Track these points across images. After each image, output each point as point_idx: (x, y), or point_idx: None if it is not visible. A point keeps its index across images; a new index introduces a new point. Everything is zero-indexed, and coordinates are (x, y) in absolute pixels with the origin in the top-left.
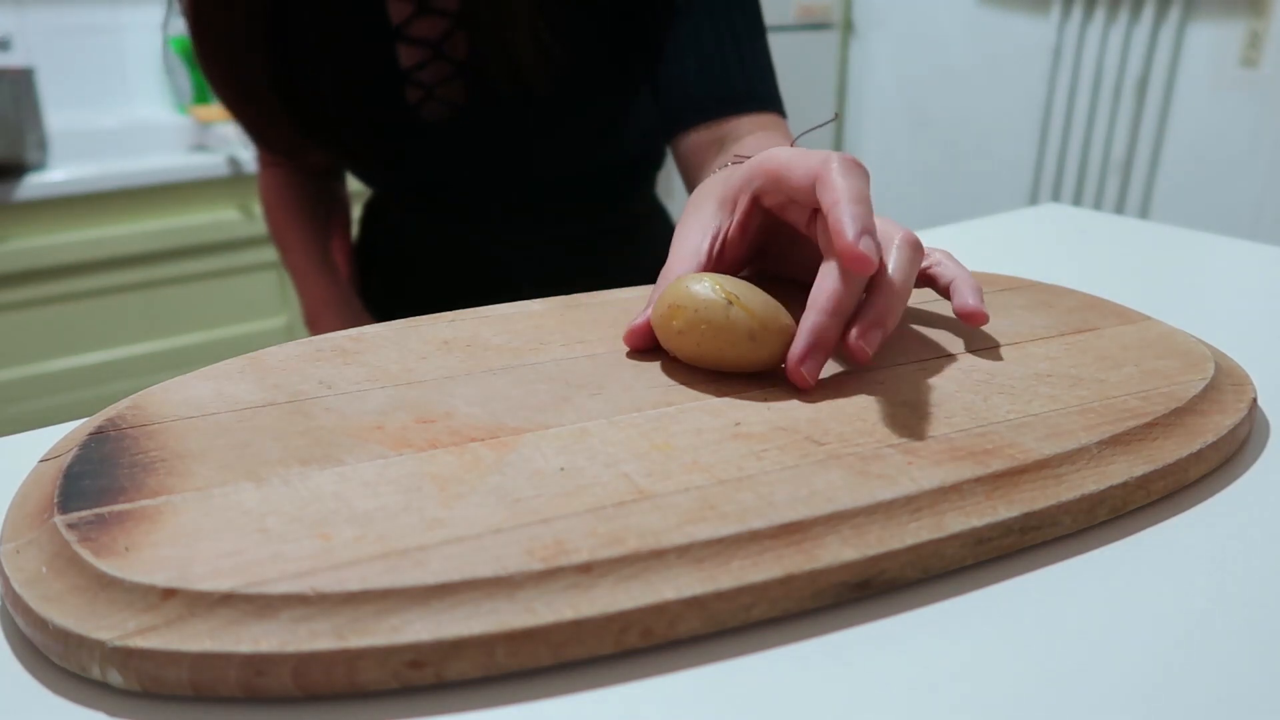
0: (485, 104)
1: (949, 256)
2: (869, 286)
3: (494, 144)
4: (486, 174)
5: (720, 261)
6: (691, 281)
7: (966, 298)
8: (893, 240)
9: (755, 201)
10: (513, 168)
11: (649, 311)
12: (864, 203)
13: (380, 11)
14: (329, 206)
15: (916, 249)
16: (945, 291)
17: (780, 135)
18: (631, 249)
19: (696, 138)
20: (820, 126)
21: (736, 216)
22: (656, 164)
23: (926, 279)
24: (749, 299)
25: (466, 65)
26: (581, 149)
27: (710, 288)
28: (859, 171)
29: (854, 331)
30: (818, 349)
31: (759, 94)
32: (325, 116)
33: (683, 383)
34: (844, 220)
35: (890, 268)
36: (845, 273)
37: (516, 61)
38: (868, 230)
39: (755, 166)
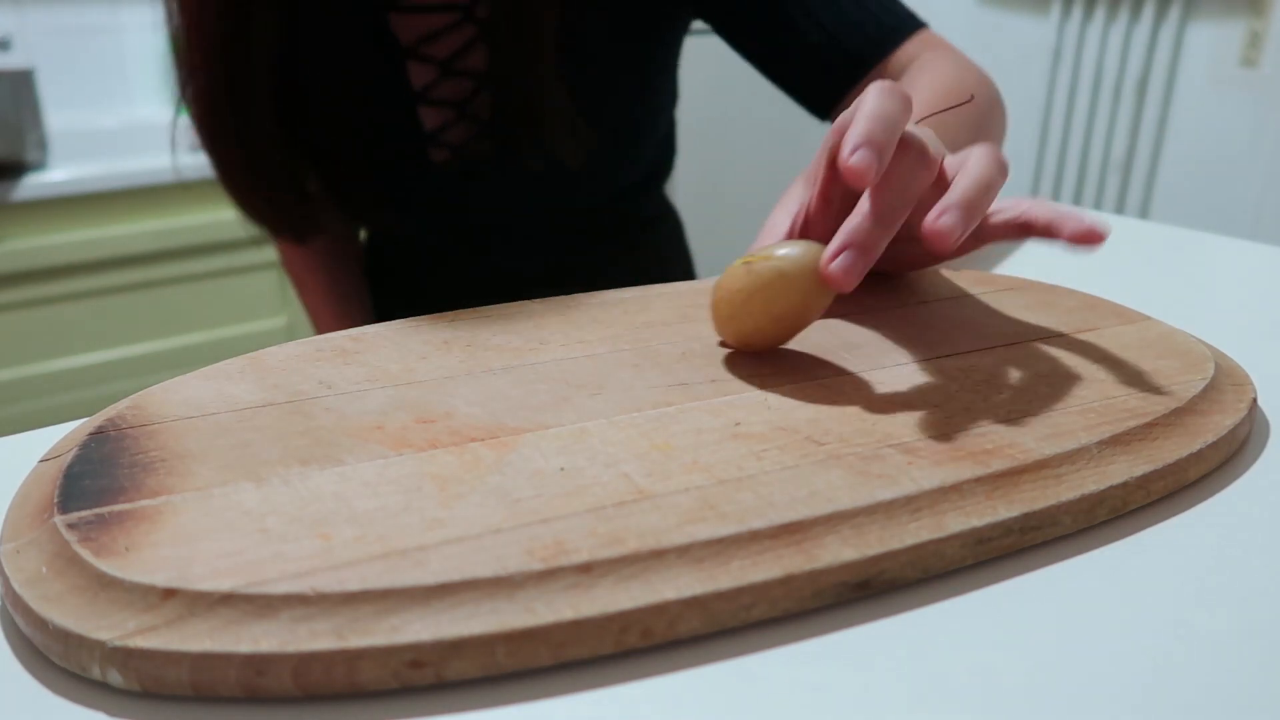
0: (510, 158)
1: (1038, 203)
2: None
3: (515, 187)
4: (504, 210)
5: (807, 235)
6: (725, 277)
7: (1076, 222)
8: (973, 150)
9: (832, 165)
10: (531, 203)
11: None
12: (877, 119)
13: (401, 78)
14: (347, 258)
15: (999, 159)
16: (1046, 230)
17: (937, 51)
18: (640, 250)
19: (855, 99)
20: (955, 107)
21: (818, 186)
22: (668, 169)
23: (1021, 227)
24: (767, 251)
25: (493, 126)
26: (602, 177)
27: (728, 269)
28: (892, 94)
29: (932, 213)
30: (850, 247)
31: (894, 24)
32: (346, 179)
33: (683, 383)
34: (849, 135)
35: (972, 161)
36: (888, 186)
37: (547, 140)
38: (869, 143)
39: (831, 130)
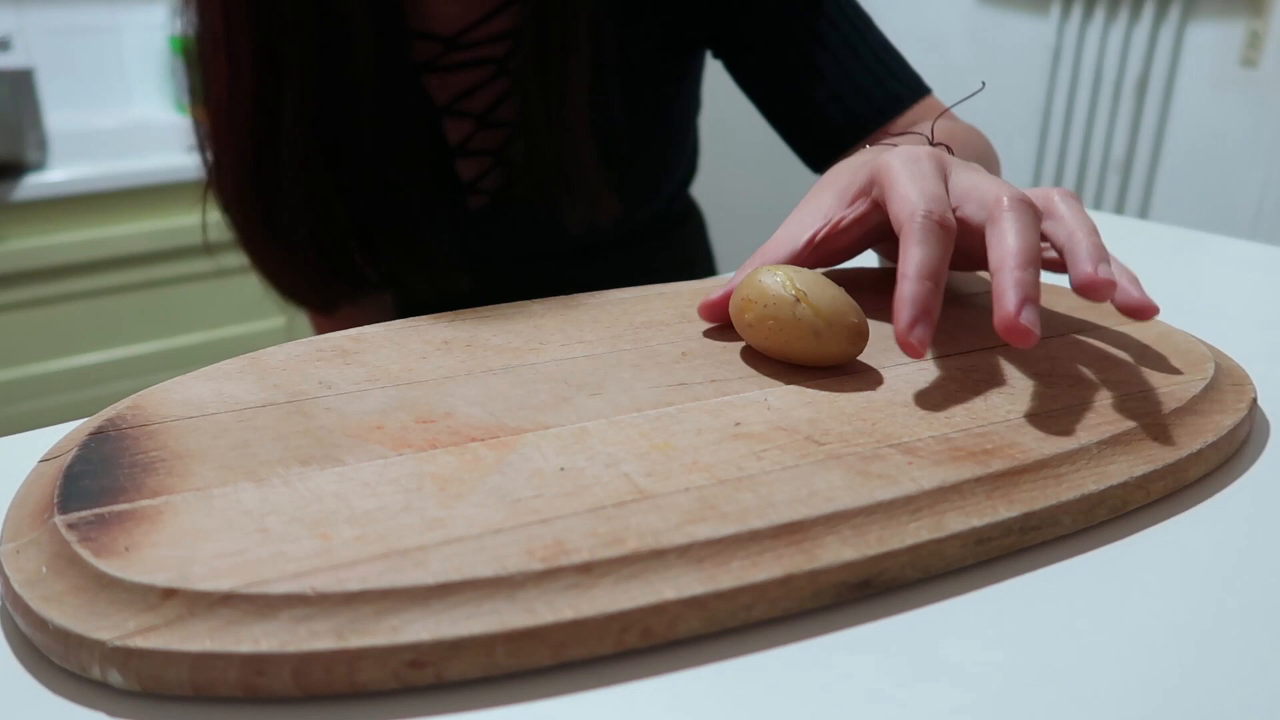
0: (545, 197)
1: (1070, 201)
2: (997, 263)
3: (549, 223)
4: (539, 245)
5: (823, 249)
6: (765, 275)
7: (1083, 264)
8: (1001, 203)
9: (876, 205)
10: (565, 237)
11: (727, 287)
12: (1034, 265)
13: (438, 136)
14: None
15: (1028, 209)
16: (1060, 253)
17: (936, 118)
18: (665, 250)
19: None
20: (971, 96)
21: (854, 213)
22: (692, 174)
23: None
24: (818, 296)
25: (528, 170)
26: (634, 208)
27: (782, 283)
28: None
29: (1013, 311)
30: (923, 315)
31: (898, 91)
32: (383, 239)
33: (683, 383)
34: (1007, 288)
35: (1010, 237)
36: (928, 238)
37: (579, 204)
38: (1031, 299)
39: (875, 171)
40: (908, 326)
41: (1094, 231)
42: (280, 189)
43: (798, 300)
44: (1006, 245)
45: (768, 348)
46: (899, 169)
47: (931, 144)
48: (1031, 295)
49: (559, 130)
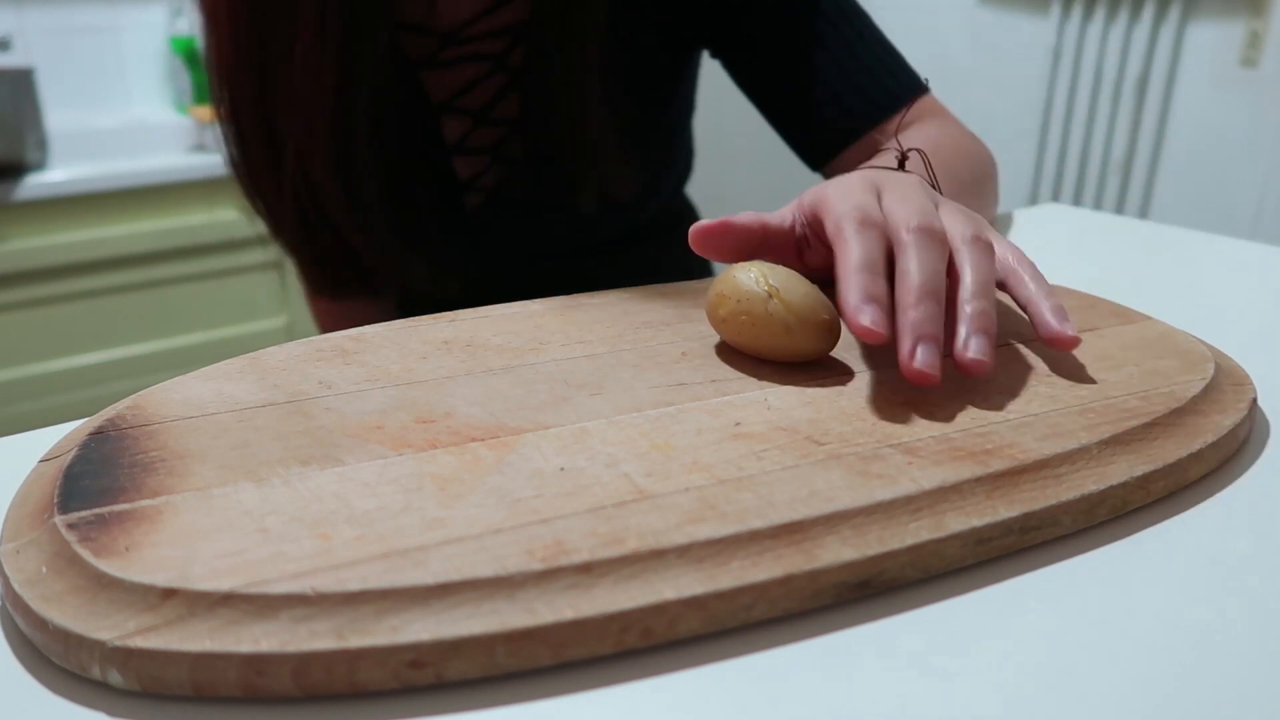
0: (544, 195)
1: (1020, 259)
2: (950, 300)
3: (547, 223)
4: (537, 245)
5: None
6: (739, 271)
7: (1047, 319)
8: (965, 240)
9: (815, 231)
10: (563, 238)
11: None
12: (927, 299)
13: (435, 134)
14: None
15: (984, 247)
16: (1024, 308)
17: (937, 118)
18: (661, 251)
19: (850, 157)
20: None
21: (787, 221)
22: (688, 174)
23: (1001, 286)
24: (790, 292)
25: (527, 168)
26: (629, 210)
27: (755, 279)
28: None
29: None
30: (923, 340)
31: (896, 89)
32: (381, 238)
33: (683, 383)
34: (903, 333)
35: (967, 272)
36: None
37: (598, 178)
38: (924, 336)
39: (814, 201)
40: (856, 308)
41: (1037, 276)
42: (358, 171)
43: (770, 296)
44: (906, 281)
45: (741, 343)
46: (829, 193)
47: (903, 154)
48: (925, 332)
49: (568, 115)
